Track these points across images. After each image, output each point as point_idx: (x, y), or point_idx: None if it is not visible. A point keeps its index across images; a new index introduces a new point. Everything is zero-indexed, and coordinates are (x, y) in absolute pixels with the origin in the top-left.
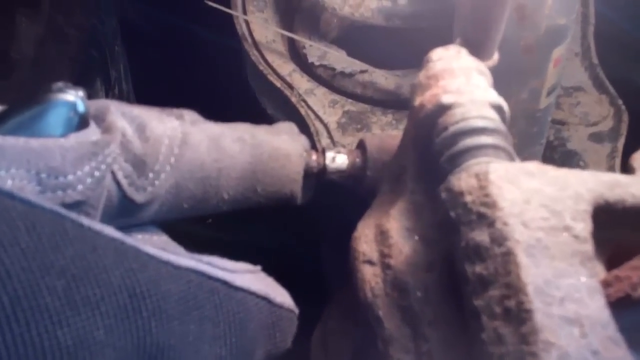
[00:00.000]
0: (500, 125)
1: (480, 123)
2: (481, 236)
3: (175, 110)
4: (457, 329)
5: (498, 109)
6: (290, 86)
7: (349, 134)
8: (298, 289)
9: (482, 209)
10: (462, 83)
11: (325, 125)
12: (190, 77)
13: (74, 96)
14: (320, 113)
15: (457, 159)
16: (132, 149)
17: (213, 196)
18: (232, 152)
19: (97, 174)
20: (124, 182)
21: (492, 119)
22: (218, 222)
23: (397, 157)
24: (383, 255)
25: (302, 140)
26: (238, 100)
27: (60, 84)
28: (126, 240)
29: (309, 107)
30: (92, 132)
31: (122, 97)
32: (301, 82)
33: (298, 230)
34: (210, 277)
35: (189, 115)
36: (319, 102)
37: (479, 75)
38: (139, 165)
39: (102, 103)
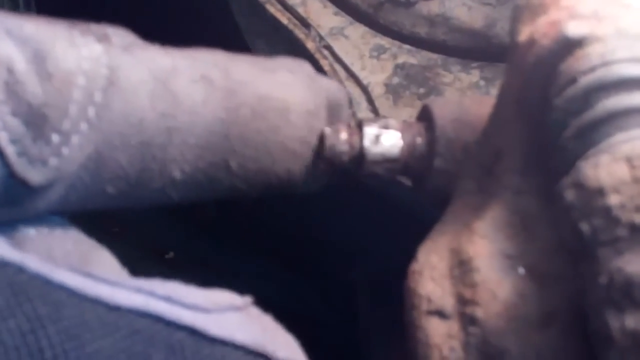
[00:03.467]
0: None
1: (634, 70)
2: (637, 265)
3: (95, 27)
4: None
5: None
6: (305, 23)
7: (404, 104)
8: None
9: (639, 218)
10: (602, 0)
11: (365, 89)
12: (140, 14)
13: None
14: (355, 68)
15: (592, 133)
16: (24, 93)
17: (157, 175)
18: (192, 101)
19: None
20: (9, 150)
21: None
22: (189, 259)
23: (489, 134)
24: (464, 302)
25: (318, 84)
26: (217, 46)
27: None
28: (8, 255)
29: (336, 58)
30: None
31: (15, 8)
32: (323, 17)
33: (319, 275)
34: (169, 323)
35: (119, 35)
36: (355, 49)
37: None
38: (36, 120)
39: None
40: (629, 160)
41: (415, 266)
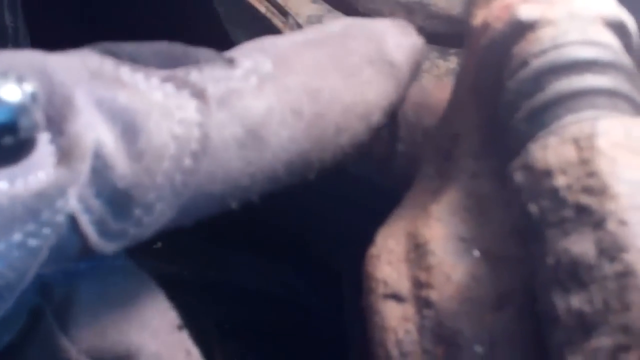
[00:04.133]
0: (622, 58)
1: (585, 52)
2: (582, 245)
3: (192, 74)
4: None
5: (618, 28)
6: (283, 11)
7: None
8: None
9: (584, 199)
10: None
11: None
12: (119, 5)
13: (14, 94)
14: None
15: (543, 115)
16: (111, 176)
17: (231, 205)
18: (278, 141)
19: (32, 243)
20: (89, 231)
21: (606, 46)
22: (177, 249)
23: (448, 118)
24: (419, 285)
25: (397, 67)
26: (197, 39)
27: None
28: None
29: None
30: (40, 163)
31: (3, 41)
32: (301, 5)
33: (307, 264)
34: None
35: (213, 80)
36: None
37: None
38: (121, 200)
39: (61, 83)
40: (576, 141)
41: (373, 250)
